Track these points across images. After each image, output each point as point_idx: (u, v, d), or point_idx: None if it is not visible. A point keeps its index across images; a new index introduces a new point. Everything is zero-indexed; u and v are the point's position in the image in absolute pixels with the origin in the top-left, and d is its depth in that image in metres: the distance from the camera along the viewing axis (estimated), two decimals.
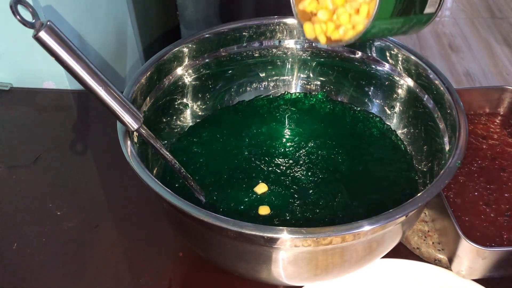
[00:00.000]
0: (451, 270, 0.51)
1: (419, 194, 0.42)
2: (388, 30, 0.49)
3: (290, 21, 0.61)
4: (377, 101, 0.62)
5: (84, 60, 0.40)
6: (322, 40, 0.52)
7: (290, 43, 0.63)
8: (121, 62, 1.02)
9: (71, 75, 0.40)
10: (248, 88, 0.65)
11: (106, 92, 0.42)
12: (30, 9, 0.37)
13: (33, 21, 0.37)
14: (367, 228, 0.39)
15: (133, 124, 0.44)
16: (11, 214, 0.61)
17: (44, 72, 0.79)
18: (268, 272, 0.45)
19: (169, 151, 0.49)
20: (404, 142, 0.59)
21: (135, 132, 0.47)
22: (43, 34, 0.37)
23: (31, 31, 0.37)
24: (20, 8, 0.36)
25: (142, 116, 0.45)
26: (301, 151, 0.58)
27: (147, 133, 0.46)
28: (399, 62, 0.58)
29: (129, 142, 0.46)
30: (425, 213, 0.57)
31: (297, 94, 0.66)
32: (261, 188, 0.53)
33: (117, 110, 0.43)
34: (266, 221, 0.50)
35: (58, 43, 0.38)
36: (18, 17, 0.35)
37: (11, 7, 0.35)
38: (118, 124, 0.47)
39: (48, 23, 0.37)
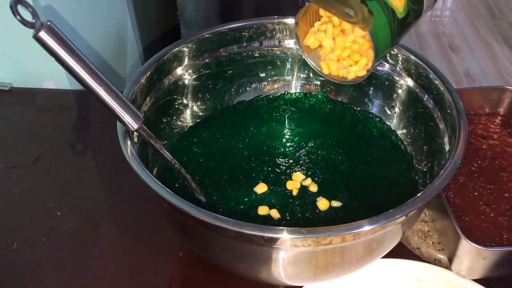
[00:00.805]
0: (451, 270, 0.51)
1: (419, 194, 0.42)
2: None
3: (290, 21, 0.61)
4: (377, 101, 0.62)
5: (84, 60, 0.40)
6: (325, 70, 0.54)
7: (290, 43, 0.63)
8: (121, 62, 1.02)
9: (71, 75, 0.40)
10: (248, 88, 0.65)
11: (106, 92, 0.42)
12: (30, 9, 0.37)
13: (33, 21, 0.37)
14: (367, 228, 0.39)
15: (133, 124, 0.44)
16: (11, 214, 0.61)
17: (44, 72, 0.79)
18: (268, 272, 0.45)
19: (169, 151, 0.49)
20: (404, 142, 0.59)
21: (135, 132, 0.47)
22: (43, 34, 0.37)
23: (31, 31, 0.37)
24: (20, 8, 0.36)
25: (142, 116, 0.45)
26: (301, 151, 0.58)
27: (147, 133, 0.46)
28: (399, 62, 0.58)
29: (129, 142, 0.46)
30: (425, 213, 0.57)
31: (297, 94, 0.66)
32: (261, 188, 0.53)
33: (117, 110, 0.43)
34: (266, 221, 0.50)
35: (58, 43, 0.38)
36: (18, 17, 0.35)
37: (11, 7, 0.35)
38: (118, 124, 0.47)
39: (48, 23, 0.37)
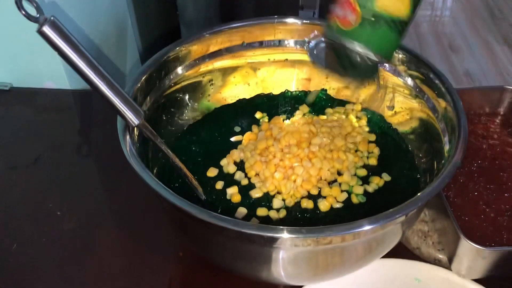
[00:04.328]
0: (451, 270, 0.51)
1: (418, 194, 0.42)
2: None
3: (290, 21, 0.61)
4: (378, 100, 0.62)
5: (86, 55, 0.40)
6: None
7: (290, 43, 0.63)
8: (121, 62, 1.02)
9: (73, 70, 0.40)
10: (248, 87, 0.65)
11: (108, 87, 0.42)
12: (35, 4, 0.38)
13: (37, 16, 0.37)
14: (367, 228, 0.39)
15: (134, 120, 0.45)
16: (11, 214, 0.61)
17: (44, 72, 0.79)
18: (268, 271, 0.45)
19: None
20: (405, 141, 0.59)
21: (135, 132, 0.47)
22: (46, 29, 0.38)
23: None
24: (25, 3, 0.36)
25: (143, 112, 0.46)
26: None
27: (148, 129, 0.46)
28: (399, 62, 0.58)
29: (128, 140, 0.46)
30: (425, 213, 0.57)
31: (297, 92, 0.66)
32: (256, 192, 0.53)
33: (119, 105, 0.43)
34: (266, 221, 0.50)
35: (61, 37, 0.38)
36: (23, 12, 0.36)
37: (16, 2, 0.36)
38: (118, 122, 0.47)
39: (52, 18, 0.38)
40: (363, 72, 0.50)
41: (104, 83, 0.42)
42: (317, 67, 0.55)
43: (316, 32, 0.56)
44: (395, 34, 0.47)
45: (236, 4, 1.05)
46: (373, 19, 0.45)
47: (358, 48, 0.47)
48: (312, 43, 0.54)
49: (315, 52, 0.53)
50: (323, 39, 0.52)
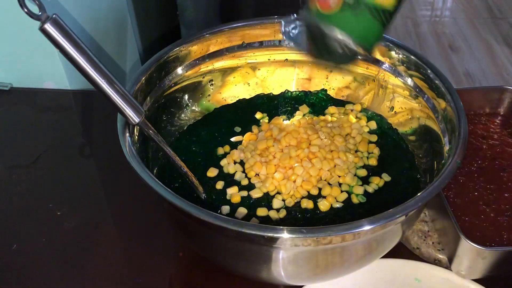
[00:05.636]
0: (451, 270, 0.51)
1: (419, 194, 0.42)
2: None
3: None
4: (378, 100, 0.62)
5: (87, 53, 0.40)
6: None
7: (290, 43, 0.63)
8: (121, 62, 1.02)
9: (75, 67, 0.40)
10: (248, 87, 0.65)
11: (108, 85, 0.42)
12: (37, 2, 0.38)
13: (40, 13, 0.38)
14: (367, 227, 0.39)
15: (134, 118, 0.45)
16: (11, 214, 0.61)
17: (44, 72, 0.79)
18: (268, 271, 0.45)
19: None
20: (405, 142, 0.59)
21: (135, 132, 0.47)
22: (48, 26, 0.38)
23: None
24: (27, 2, 0.37)
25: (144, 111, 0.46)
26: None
27: (149, 127, 0.46)
28: (399, 62, 0.58)
29: (128, 141, 0.46)
30: (425, 213, 0.57)
31: (297, 92, 0.66)
32: (257, 192, 0.53)
33: (119, 103, 0.43)
34: (266, 221, 0.50)
35: (62, 35, 0.38)
36: (25, 9, 0.36)
37: (18, 0, 0.36)
38: (118, 123, 0.47)
39: (54, 16, 0.38)
40: (340, 59, 0.47)
41: (105, 81, 0.42)
42: (298, 49, 0.52)
43: (294, 15, 0.53)
44: (378, 24, 0.44)
45: (236, 4, 1.05)
46: (354, 4, 0.42)
47: (337, 35, 0.44)
48: (290, 27, 0.51)
49: (291, 36, 0.51)
50: (300, 22, 0.49)
